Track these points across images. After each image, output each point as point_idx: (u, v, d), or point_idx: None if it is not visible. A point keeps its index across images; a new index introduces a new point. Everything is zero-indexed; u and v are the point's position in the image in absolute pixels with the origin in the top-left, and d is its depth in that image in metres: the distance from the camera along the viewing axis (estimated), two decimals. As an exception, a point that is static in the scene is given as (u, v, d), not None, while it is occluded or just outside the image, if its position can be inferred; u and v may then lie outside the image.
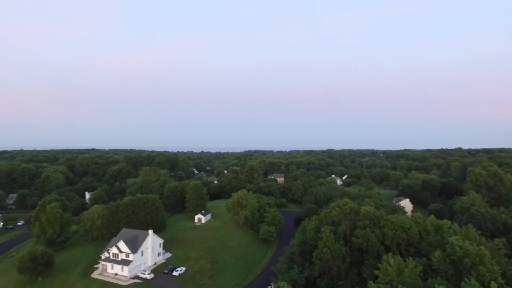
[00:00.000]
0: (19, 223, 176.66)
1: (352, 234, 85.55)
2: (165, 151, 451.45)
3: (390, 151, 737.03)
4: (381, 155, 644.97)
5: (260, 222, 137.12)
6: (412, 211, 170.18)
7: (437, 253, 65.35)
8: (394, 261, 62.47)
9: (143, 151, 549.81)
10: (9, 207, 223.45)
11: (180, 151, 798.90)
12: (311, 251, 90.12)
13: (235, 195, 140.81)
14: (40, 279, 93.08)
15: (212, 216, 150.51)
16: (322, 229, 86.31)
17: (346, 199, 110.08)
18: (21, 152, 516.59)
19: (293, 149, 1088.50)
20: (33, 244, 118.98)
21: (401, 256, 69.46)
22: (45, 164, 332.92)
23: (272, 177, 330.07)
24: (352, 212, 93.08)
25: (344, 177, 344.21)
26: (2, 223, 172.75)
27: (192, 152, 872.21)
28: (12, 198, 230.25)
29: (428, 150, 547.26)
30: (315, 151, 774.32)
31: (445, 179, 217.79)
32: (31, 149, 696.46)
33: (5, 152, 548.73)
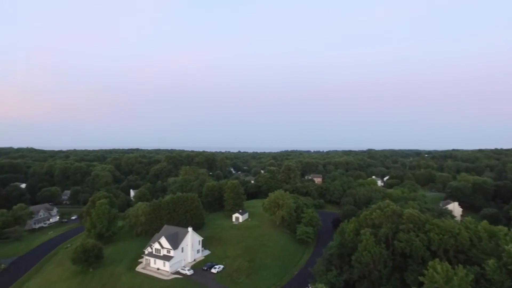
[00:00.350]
0: (73, 217, 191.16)
1: (395, 238, 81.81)
2: (203, 151, 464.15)
3: (436, 151, 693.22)
4: (426, 155, 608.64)
5: (297, 223, 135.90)
6: (462, 216, 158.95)
7: (491, 261, 60.41)
8: (442, 268, 58.73)
9: (183, 151, 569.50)
10: (64, 202, 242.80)
11: (217, 151, 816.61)
12: (350, 253, 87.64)
13: (271, 195, 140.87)
14: (91, 269, 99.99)
15: (249, 216, 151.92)
16: (362, 231, 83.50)
17: (387, 201, 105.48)
18: (74, 152, 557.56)
19: (331, 149, 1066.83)
20: (85, 237, 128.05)
21: (449, 263, 65.16)
22: (94, 163, 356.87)
23: (309, 178, 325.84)
24: (394, 214, 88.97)
25: (385, 178, 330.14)
26: (58, 217, 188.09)
27: (229, 152, 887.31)
28: (66, 194, 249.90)
29: (480, 150, 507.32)
30: (354, 151, 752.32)
31: (500, 182, 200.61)
32: (83, 149, 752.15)
33: (61, 151, 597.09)
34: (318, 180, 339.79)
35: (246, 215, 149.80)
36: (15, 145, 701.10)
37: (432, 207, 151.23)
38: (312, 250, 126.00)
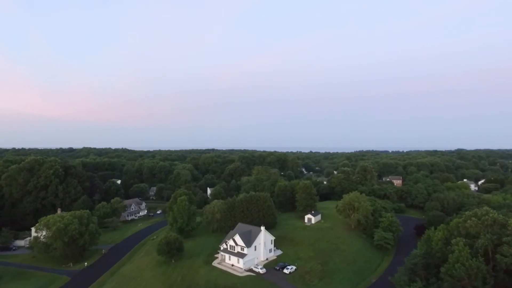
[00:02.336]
0: (158, 212, 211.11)
1: (496, 251, 70.25)
2: (275, 151, 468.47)
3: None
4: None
5: (375, 227, 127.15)
6: None
7: None
8: None
9: (255, 151, 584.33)
10: (151, 197, 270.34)
11: (289, 151, 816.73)
12: (438, 264, 78.35)
13: (346, 197, 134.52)
14: (173, 261, 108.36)
15: (322, 217, 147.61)
16: (454, 241, 73.66)
17: (486, 207, 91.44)
18: (159, 152, 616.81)
19: (412, 149, 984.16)
20: (168, 231, 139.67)
21: None
22: (176, 162, 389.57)
23: (388, 179, 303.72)
24: (495, 224, 76.59)
25: (480, 182, 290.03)
26: (146, 211, 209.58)
27: (300, 152, 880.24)
28: (153, 190, 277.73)
29: None
30: (440, 151, 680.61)
31: None
32: (167, 149, 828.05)
33: (149, 152, 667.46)
34: (397, 182, 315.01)
35: (318, 217, 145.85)
36: (113, 146, 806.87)
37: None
38: (391, 257, 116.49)
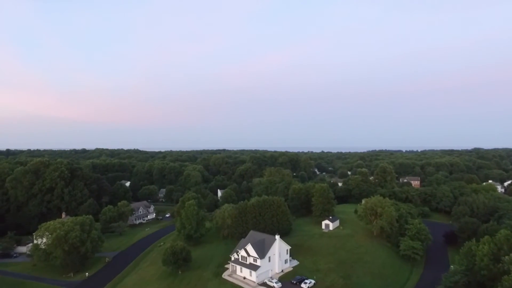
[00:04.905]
0: (167, 215, 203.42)
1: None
2: (286, 151, 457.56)
3: None
4: None
5: (400, 235, 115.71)
6: None
7: None
8: None
9: (266, 151, 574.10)
10: (160, 200, 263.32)
11: (300, 151, 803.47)
12: (483, 283, 67.23)
13: (368, 201, 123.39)
14: (180, 272, 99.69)
15: (340, 223, 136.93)
16: (507, 258, 62.31)
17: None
18: (170, 153, 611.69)
19: (426, 149, 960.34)
20: (175, 237, 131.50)
21: None
22: (186, 163, 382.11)
23: (405, 180, 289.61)
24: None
25: (506, 183, 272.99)
26: (155, 214, 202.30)
27: (312, 152, 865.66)
28: (162, 192, 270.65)
29: None
30: (457, 151, 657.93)
31: None
32: (178, 150, 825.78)
33: (160, 152, 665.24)
34: (415, 183, 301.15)
35: (337, 222, 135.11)
36: (125, 147, 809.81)
37: None
38: (421, 270, 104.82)
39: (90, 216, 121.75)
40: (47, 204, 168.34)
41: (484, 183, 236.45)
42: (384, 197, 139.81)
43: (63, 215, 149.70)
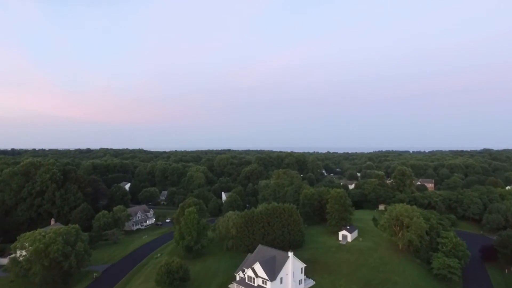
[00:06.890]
0: (167, 220, 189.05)
1: None
2: (292, 152, 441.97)
3: None
4: None
5: (431, 250, 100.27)
6: None
7: None
8: None
9: (271, 152, 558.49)
10: (161, 203, 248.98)
11: (305, 151, 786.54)
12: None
13: (393, 210, 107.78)
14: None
15: (358, 233, 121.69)
16: None
17: None
18: (174, 153, 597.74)
19: (433, 149, 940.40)
20: (173, 248, 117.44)
21: None
22: (190, 163, 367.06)
23: (418, 183, 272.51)
24: None
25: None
26: (154, 219, 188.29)
27: (318, 152, 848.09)
28: (164, 194, 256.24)
29: None
30: (467, 151, 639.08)
31: None
32: (182, 150, 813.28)
33: (164, 152, 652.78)
34: (429, 186, 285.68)
35: (355, 233, 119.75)
36: (130, 146, 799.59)
37: None
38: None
39: (77, 226, 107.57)
40: (37, 208, 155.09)
41: (507, 187, 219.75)
42: (403, 202, 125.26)
43: (52, 221, 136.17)
